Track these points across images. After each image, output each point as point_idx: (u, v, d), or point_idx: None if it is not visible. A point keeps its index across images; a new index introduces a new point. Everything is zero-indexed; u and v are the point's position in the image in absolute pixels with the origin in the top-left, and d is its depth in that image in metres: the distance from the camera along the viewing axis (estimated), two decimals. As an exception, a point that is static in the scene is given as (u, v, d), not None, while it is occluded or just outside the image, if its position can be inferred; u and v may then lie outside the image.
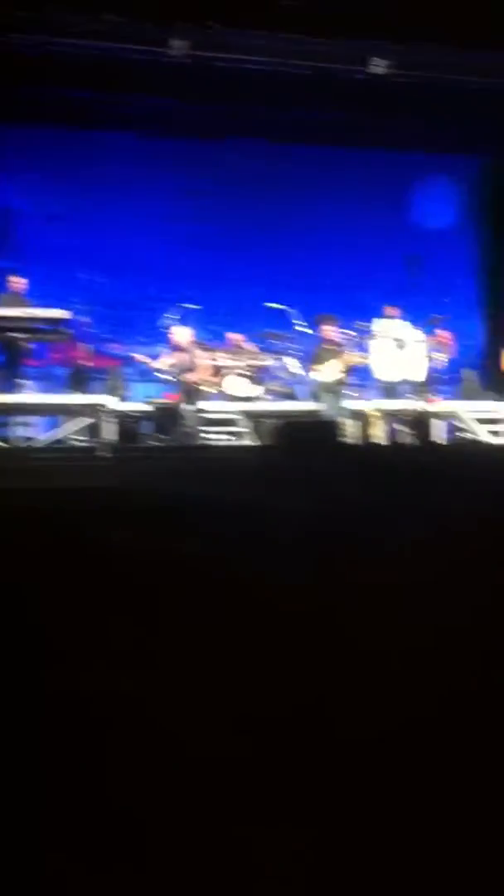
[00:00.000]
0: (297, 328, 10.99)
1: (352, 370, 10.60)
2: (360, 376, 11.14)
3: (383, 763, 1.40)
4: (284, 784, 1.32)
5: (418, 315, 12.19)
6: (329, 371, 10.17)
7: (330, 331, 10.53)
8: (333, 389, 10.11)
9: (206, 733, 1.46)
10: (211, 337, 12.00)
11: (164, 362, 10.29)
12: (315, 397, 10.30)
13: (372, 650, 2.04)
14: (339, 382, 10.16)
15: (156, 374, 10.46)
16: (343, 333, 10.90)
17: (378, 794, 1.30)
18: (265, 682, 1.77)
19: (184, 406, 9.58)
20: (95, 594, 2.47)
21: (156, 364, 10.36)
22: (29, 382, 9.89)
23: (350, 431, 9.96)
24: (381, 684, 1.77)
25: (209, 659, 1.97)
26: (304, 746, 1.44)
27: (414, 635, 2.13)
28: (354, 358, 10.28)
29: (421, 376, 10.62)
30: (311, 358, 10.51)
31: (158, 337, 11.12)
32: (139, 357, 10.64)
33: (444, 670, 1.84)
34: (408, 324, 11.05)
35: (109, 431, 9.39)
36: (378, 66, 11.96)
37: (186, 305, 11.10)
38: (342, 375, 10.18)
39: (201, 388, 10.03)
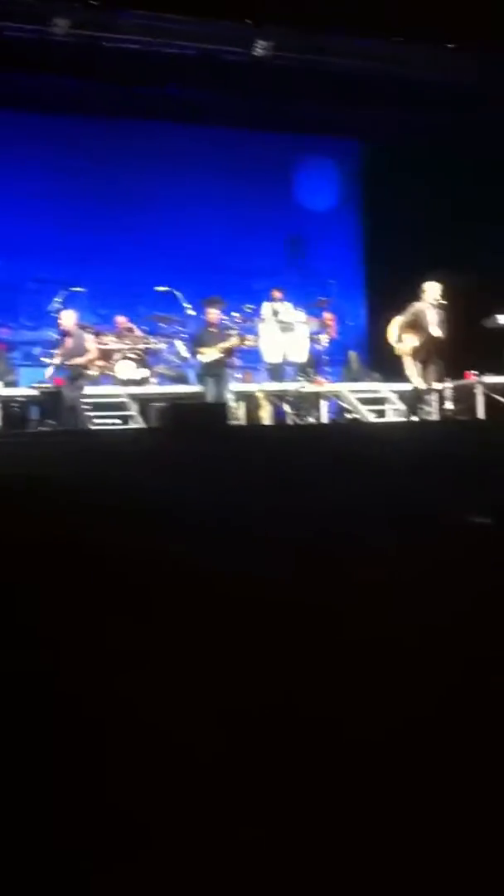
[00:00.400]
0: (186, 311, 11.03)
1: (236, 352, 10.70)
2: (248, 358, 11.26)
3: (382, 760, 1.40)
4: (277, 780, 1.33)
5: (303, 297, 12.37)
6: (211, 354, 10.24)
7: (213, 314, 10.60)
8: (215, 372, 10.18)
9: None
10: (100, 321, 11.95)
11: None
12: (199, 380, 10.37)
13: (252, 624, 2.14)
14: (221, 365, 10.23)
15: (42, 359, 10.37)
16: (230, 316, 10.99)
17: (375, 791, 1.31)
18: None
19: (67, 391, 9.52)
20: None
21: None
22: None
23: (237, 413, 10.08)
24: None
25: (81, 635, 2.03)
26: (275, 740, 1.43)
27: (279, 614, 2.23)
28: (234, 340, 10.36)
29: (305, 358, 10.80)
30: (194, 341, 10.56)
31: (46, 321, 11.02)
32: None
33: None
34: (290, 305, 11.20)
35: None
36: (261, 48, 12.04)
37: (72, 289, 11.02)
38: (223, 357, 10.26)
39: (89, 371, 9.99)
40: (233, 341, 10.37)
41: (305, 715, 1.58)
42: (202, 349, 10.34)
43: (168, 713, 1.59)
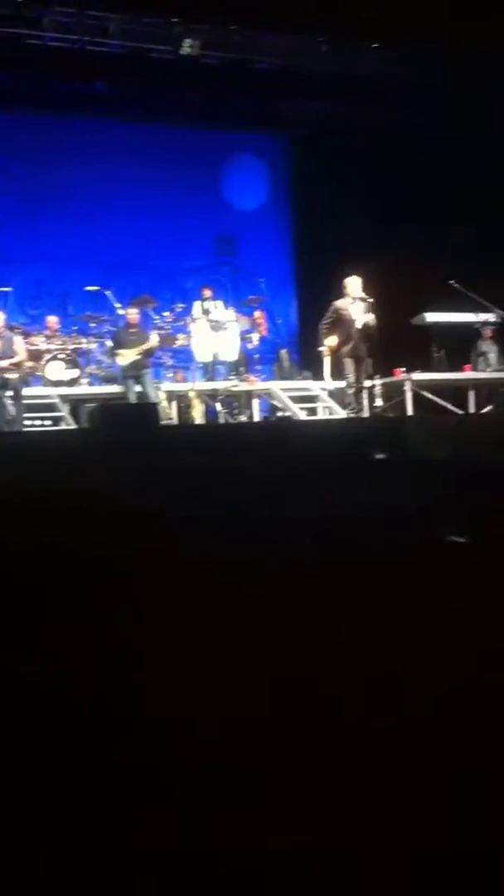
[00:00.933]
0: (117, 310, 10.96)
1: (168, 352, 10.67)
2: (180, 358, 11.25)
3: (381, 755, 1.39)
4: (282, 777, 1.31)
5: (234, 296, 12.41)
6: (129, 356, 10.18)
7: (133, 314, 10.54)
8: (134, 374, 10.12)
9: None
10: (29, 321, 11.83)
11: None
12: (120, 381, 10.30)
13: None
14: (140, 366, 10.17)
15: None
16: (160, 316, 10.96)
17: (376, 786, 1.30)
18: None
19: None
20: None
21: None
22: None
23: (168, 413, 10.06)
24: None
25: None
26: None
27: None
28: (153, 342, 10.29)
29: (236, 356, 10.82)
30: (114, 342, 10.50)
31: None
32: None
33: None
34: (221, 304, 11.21)
35: None
36: (188, 46, 12.03)
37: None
38: (142, 360, 10.20)
39: (18, 373, 9.86)
40: (152, 343, 10.30)
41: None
42: (120, 351, 10.26)
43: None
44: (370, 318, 9.59)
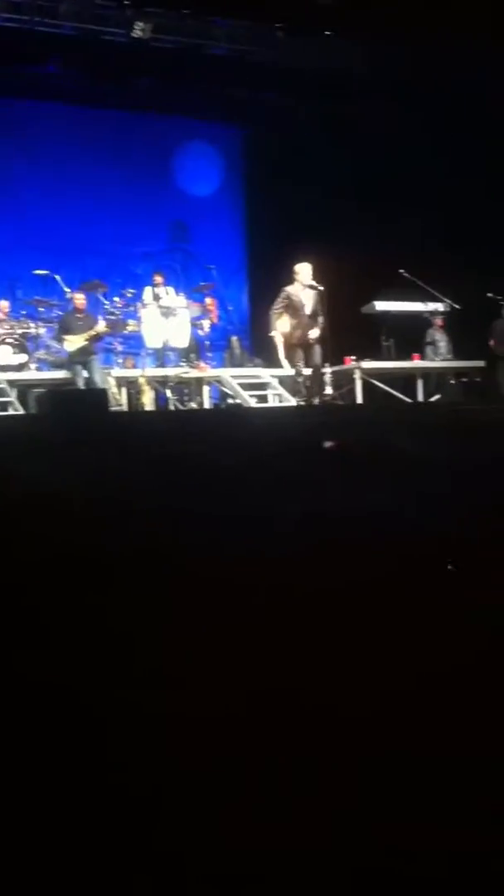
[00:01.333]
0: (66, 295, 10.86)
1: (108, 338, 10.59)
2: (130, 344, 11.18)
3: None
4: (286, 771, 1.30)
5: (186, 282, 12.36)
6: (76, 341, 10.11)
7: (80, 299, 10.46)
8: (81, 360, 10.05)
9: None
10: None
11: None
12: (67, 367, 10.22)
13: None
14: (87, 352, 10.11)
15: None
16: (111, 301, 10.88)
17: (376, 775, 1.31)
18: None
19: None
20: None
21: None
22: None
23: (119, 399, 10.00)
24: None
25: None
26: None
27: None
28: (101, 328, 10.23)
29: (187, 343, 10.79)
30: (60, 327, 10.41)
31: None
32: None
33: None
34: (172, 290, 11.17)
35: None
36: (139, 30, 11.92)
37: None
38: (88, 345, 10.13)
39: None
40: (99, 329, 10.24)
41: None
42: (67, 336, 10.19)
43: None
44: (318, 310, 9.63)
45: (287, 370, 10.13)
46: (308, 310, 9.65)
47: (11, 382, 9.82)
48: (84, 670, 1.74)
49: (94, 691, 1.63)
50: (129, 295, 11.06)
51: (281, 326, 9.82)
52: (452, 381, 10.96)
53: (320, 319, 9.64)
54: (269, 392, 10.62)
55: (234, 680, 1.64)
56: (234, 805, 1.17)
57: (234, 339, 12.30)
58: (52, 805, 1.23)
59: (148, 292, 11.01)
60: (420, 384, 11.00)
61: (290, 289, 9.75)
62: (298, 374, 9.84)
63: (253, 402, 10.13)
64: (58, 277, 11.03)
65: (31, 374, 10.32)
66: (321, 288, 9.67)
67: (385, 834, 1.18)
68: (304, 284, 9.69)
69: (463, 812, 1.22)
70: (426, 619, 2.02)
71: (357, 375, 10.54)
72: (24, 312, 11.03)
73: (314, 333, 9.65)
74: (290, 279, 9.83)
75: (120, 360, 11.03)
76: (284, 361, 10.06)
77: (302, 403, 9.80)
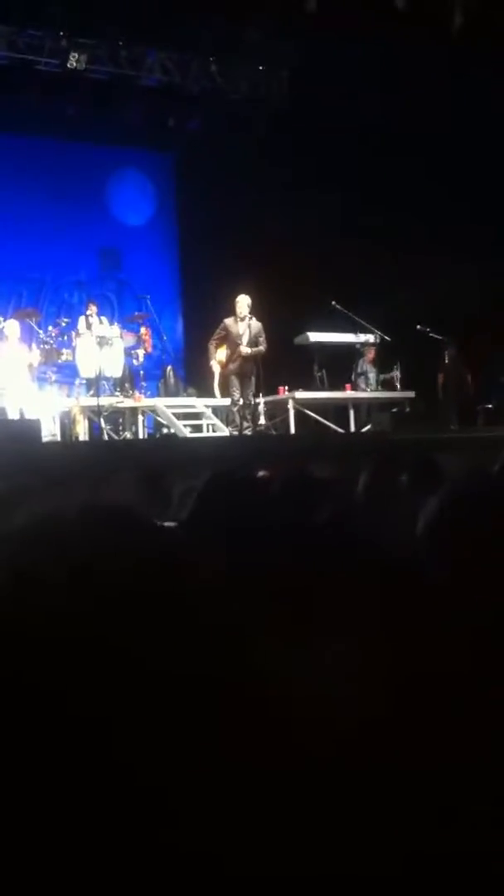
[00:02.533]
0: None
1: (42, 367, 10.49)
2: (64, 373, 11.12)
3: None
4: None
5: (120, 311, 12.36)
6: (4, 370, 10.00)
7: (14, 326, 10.36)
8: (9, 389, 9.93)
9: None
10: None
11: None
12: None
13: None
14: (17, 381, 9.99)
15: None
16: (45, 330, 10.83)
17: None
18: None
19: None
20: None
21: None
22: None
23: (51, 429, 9.93)
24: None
25: None
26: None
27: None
28: (34, 358, 10.12)
29: (121, 372, 10.78)
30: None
31: None
32: None
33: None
34: (105, 319, 11.17)
35: None
36: (74, 60, 11.99)
37: None
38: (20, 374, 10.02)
39: None
40: (32, 358, 10.13)
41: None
42: None
43: None
44: (256, 341, 9.76)
45: (221, 400, 10.18)
46: (244, 340, 9.77)
47: None
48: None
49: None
50: (63, 324, 11.01)
51: (219, 356, 9.93)
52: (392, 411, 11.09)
53: (261, 348, 9.79)
54: (203, 422, 10.67)
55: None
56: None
57: (169, 368, 12.33)
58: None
59: (82, 321, 10.99)
60: (352, 414, 11.15)
61: (228, 321, 9.89)
62: (234, 403, 9.92)
63: (187, 432, 10.17)
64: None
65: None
66: (252, 317, 9.83)
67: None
68: (240, 317, 9.82)
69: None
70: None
71: (290, 405, 10.64)
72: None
73: (249, 365, 9.79)
74: (227, 310, 9.96)
75: (54, 390, 10.95)
76: (218, 391, 10.12)
77: (235, 433, 9.87)
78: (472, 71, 11.15)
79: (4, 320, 10.61)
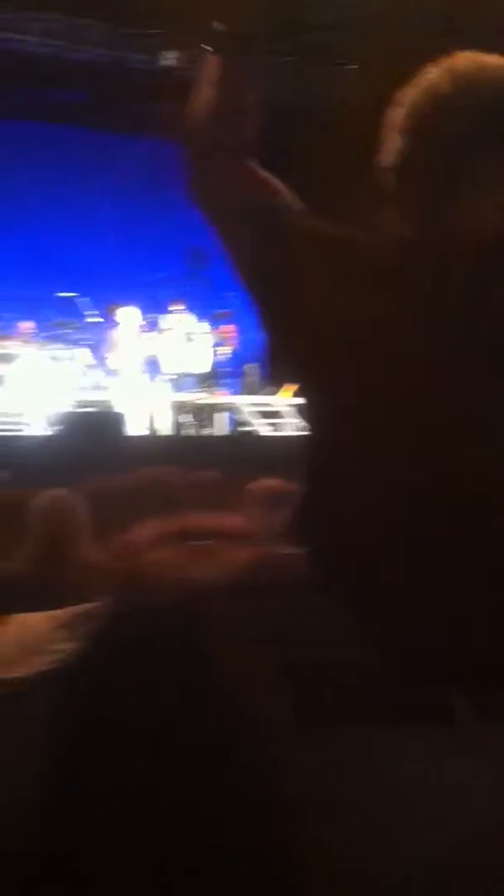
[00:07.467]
0: (87, 318, 10.96)
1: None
2: (148, 368, 11.27)
3: None
4: None
5: (205, 309, 12.44)
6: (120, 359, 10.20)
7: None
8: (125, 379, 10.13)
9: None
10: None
11: None
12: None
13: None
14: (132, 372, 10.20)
15: None
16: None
17: None
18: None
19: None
20: None
21: None
22: None
23: (136, 422, 10.10)
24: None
25: None
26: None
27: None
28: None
29: (206, 369, 10.89)
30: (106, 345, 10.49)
31: None
32: None
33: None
34: (193, 317, 11.28)
35: None
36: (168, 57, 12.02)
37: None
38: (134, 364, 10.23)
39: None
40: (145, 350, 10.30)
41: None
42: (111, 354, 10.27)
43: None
44: None
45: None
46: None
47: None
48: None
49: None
50: (149, 320, 11.13)
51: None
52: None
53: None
54: (283, 420, 10.70)
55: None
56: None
57: (251, 366, 12.38)
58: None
59: (167, 318, 11.12)
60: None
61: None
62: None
63: (266, 430, 10.20)
64: (84, 300, 11.08)
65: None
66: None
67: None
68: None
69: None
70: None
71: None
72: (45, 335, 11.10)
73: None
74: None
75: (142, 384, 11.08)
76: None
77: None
78: None
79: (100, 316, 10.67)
